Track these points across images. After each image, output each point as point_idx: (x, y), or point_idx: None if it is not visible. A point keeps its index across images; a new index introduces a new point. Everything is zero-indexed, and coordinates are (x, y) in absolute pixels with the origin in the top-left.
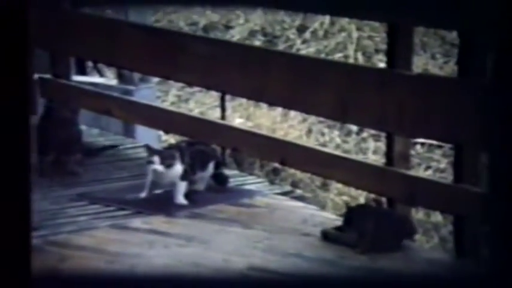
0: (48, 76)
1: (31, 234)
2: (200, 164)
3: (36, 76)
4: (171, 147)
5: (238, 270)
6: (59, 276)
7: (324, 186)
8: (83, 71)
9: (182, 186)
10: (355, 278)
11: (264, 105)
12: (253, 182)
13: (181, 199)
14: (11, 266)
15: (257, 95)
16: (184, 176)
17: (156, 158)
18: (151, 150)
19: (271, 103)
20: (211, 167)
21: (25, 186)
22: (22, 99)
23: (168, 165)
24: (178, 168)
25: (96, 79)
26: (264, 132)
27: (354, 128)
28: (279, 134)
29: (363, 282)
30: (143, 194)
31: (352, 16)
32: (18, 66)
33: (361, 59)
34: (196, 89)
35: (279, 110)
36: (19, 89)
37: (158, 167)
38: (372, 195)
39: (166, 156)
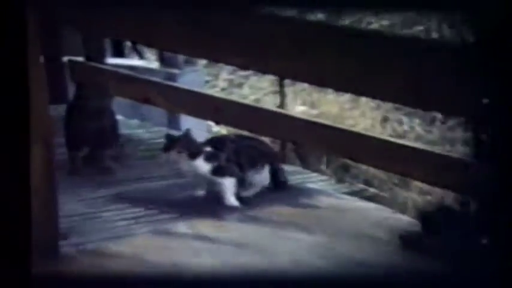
0: (79, 59)
1: (31, 234)
2: (251, 163)
3: (65, 59)
4: (215, 139)
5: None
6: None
7: (404, 184)
8: (120, 53)
9: (230, 185)
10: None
11: (330, 90)
12: (316, 180)
13: (231, 200)
14: (11, 266)
15: (321, 79)
16: (231, 173)
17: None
18: (170, 138)
19: (338, 88)
20: (266, 171)
21: (25, 185)
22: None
23: (208, 159)
24: (221, 162)
25: (134, 62)
26: (330, 122)
27: (439, 115)
28: (348, 124)
29: None
30: (190, 194)
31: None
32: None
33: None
34: (250, 72)
35: (348, 95)
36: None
37: (200, 163)
38: (457, 196)
39: (205, 149)
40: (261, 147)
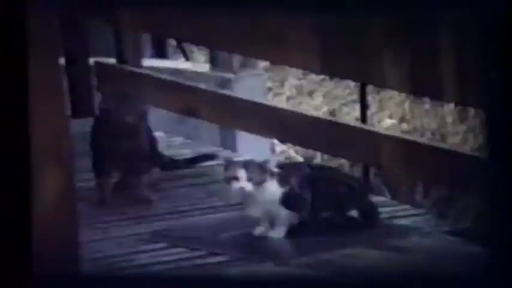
0: (110, 61)
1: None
2: (328, 201)
3: (91, 61)
4: (286, 164)
5: None
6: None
7: None
8: (161, 53)
9: (289, 219)
10: None
11: (427, 100)
12: (408, 215)
13: (280, 230)
14: (11, 266)
15: (414, 86)
16: (300, 206)
17: (241, 172)
18: (232, 163)
19: (435, 97)
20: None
21: (24, 183)
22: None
23: (258, 182)
24: (294, 188)
25: (179, 64)
26: (427, 140)
27: None
28: (452, 143)
29: None
30: (247, 231)
31: None
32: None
33: None
34: (323, 76)
35: (451, 106)
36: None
37: (244, 184)
38: None
39: (255, 169)
40: (347, 182)
